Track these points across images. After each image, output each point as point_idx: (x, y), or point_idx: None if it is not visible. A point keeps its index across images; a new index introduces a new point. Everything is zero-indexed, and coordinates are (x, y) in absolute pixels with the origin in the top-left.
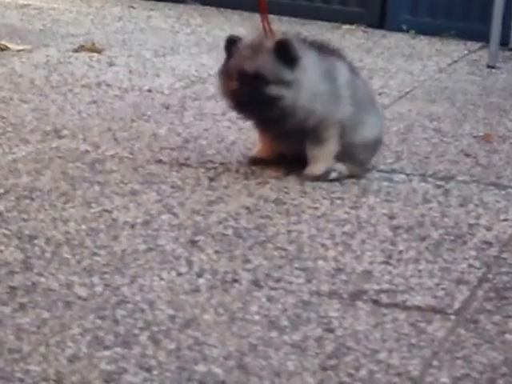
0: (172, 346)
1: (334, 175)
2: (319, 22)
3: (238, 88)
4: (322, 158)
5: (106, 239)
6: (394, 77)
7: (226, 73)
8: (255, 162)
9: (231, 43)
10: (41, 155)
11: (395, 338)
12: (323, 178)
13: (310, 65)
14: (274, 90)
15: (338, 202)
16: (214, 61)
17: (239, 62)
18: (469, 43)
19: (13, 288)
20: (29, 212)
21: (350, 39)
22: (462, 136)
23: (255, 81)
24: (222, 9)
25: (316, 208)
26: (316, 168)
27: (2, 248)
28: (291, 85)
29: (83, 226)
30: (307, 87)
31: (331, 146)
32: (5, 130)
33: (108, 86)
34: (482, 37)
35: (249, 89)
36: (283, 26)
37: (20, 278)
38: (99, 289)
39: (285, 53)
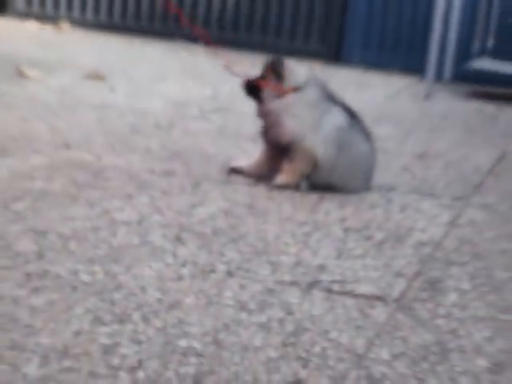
0: (159, 324)
1: (303, 187)
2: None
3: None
4: (292, 172)
5: (106, 235)
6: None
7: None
8: (235, 171)
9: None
10: (53, 164)
11: (344, 320)
12: (291, 187)
13: (310, 94)
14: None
15: (299, 206)
16: (198, 88)
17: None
18: (410, 76)
19: (28, 274)
20: (42, 211)
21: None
22: (403, 154)
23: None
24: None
25: (280, 211)
26: (285, 178)
27: (19, 241)
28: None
29: (87, 224)
30: (298, 108)
31: (301, 165)
32: (23, 142)
33: (109, 107)
34: (421, 70)
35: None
36: (253, 61)
37: (34, 265)
38: (100, 276)
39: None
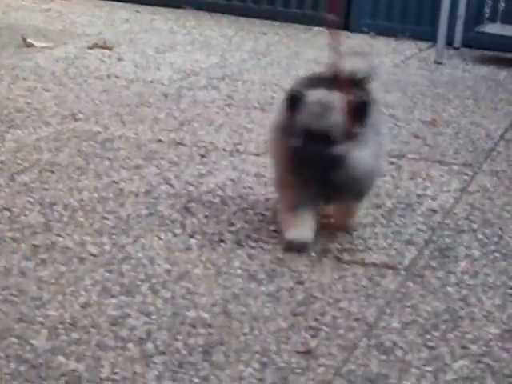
0: (168, 295)
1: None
2: (294, 25)
3: (303, 146)
4: (358, 211)
5: (114, 206)
6: None
7: (288, 129)
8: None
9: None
10: (60, 135)
11: (354, 289)
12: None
13: (375, 123)
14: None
15: None
16: (206, 57)
17: (308, 120)
18: (419, 43)
19: (35, 246)
20: (49, 183)
21: (319, 39)
22: (413, 121)
23: (324, 140)
24: (213, 13)
25: None
26: (355, 220)
27: (27, 213)
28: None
29: (95, 195)
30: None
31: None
32: (30, 113)
33: (117, 77)
34: (431, 37)
35: (316, 148)
36: (265, 29)
37: (41, 237)
38: (108, 247)
39: (359, 113)
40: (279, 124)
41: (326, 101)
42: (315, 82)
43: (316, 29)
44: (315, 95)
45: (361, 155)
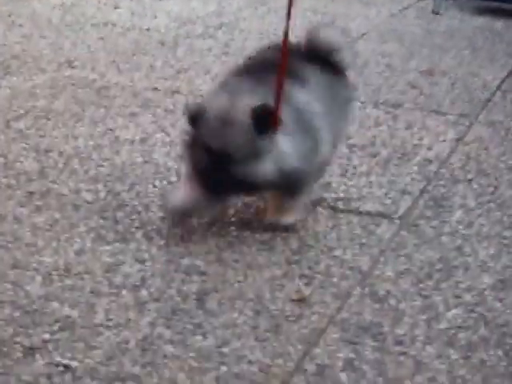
0: (162, 242)
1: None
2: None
3: (207, 166)
4: (297, 208)
5: (109, 153)
6: (353, 20)
7: (193, 148)
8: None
9: (195, 117)
10: (56, 82)
11: (349, 237)
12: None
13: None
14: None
15: None
16: (203, 5)
17: (207, 138)
18: None
19: (30, 193)
20: (45, 130)
21: None
22: (409, 71)
23: (226, 159)
24: None
25: None
26: (291, 217)
27: (22, 159)
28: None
29: (90, 142)
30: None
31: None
32: (25, 60)
33: (113, 25)
34: None
35: (219, 168)
36: None
37: (36, 184)
38: (102, 194)
39: (263, 122)
40: (185, 139)
41: (227, 115)
42: (251, 69)
43: None
44: (216, 108)
45: (265, 168)
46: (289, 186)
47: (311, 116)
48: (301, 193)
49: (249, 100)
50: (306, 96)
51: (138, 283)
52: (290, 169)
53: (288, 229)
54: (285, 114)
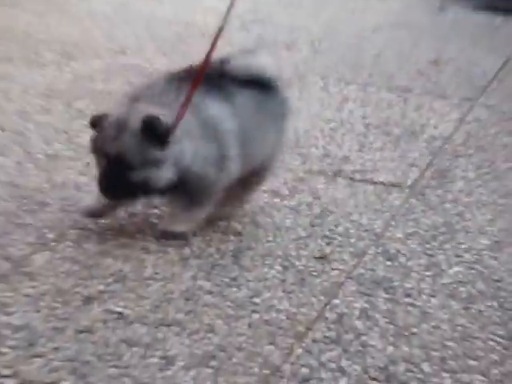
0: None
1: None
2: None
3: (102, 171)
4: (192, 219)
5: None
6: (370, 13)
7: (94, 151)
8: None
9: (96, 122)
10: (111, 68)
11: (365, 204)
12: (180, 237)
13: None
14: (138, 176)
15: (326, 106)
16: (240, 2)
17: (102, 143)
18: None
19: (88, 163)
20: (101, 108)
21: None
22: (418, 59)
23: (118, 165)
24: None
25: (310, 110)
26: (182, 227)
27: (81, 134)
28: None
29: None
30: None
31: (206, 210)
32: (84, 49)
33: (159, 18)
34: None
35: (112, 174)
36: None
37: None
38: None
39: (152, 131)
40: (90, 145)
41: (123, 122)
42: (168, 80)
43: None
44: (115, 115)
45: (158, 175)
46: (186, 194)
47: (221, 131)
48: (200, 204)
49: (145, 109)
50: (220, 111)
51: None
52: (186, 177)
53: (177, 237)
54: (191, 125)
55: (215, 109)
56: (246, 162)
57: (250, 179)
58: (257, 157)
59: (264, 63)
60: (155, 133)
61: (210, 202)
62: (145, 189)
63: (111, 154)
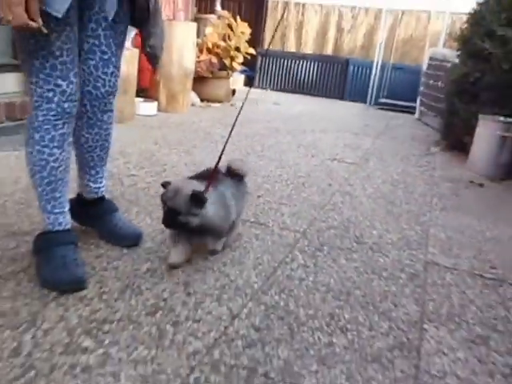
0: None
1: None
2: None
3: (164, 214)
4: (218, 245)
5: None
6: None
7: (162, 201)
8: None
9: (165, 185)
10: None
11: None
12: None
13: (211, 202)
14: (182, 219)
15: None
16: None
17: (166, 198)
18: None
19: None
20: None
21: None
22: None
23: (173, 212)
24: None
25: None
26: (217, 248)
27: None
28: (198, 215)
29: None
30: (209, 215)
31: (223, 239)
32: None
33: (275, 111)
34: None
35: (169, 216)
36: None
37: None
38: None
39: (195, 198)
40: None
41: (179, 189)
42: (201, 175)
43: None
44: (175, 185)
45: (193, 221)
46: (213, 233)
47: (227, 199)
48: (219, 238)
49: (191, 187)
50: (225, 190)
51: None
52: (211, 224)
53: (214, 253)
54: (212, 196)
55: (223, 189)
56: (233, 215)
57: (231, 225)
58: (237, 213)
59: (240, 166)
60: (196, 199)
61: (223, 235)
62: (186, 226)
63: (170, 205)
